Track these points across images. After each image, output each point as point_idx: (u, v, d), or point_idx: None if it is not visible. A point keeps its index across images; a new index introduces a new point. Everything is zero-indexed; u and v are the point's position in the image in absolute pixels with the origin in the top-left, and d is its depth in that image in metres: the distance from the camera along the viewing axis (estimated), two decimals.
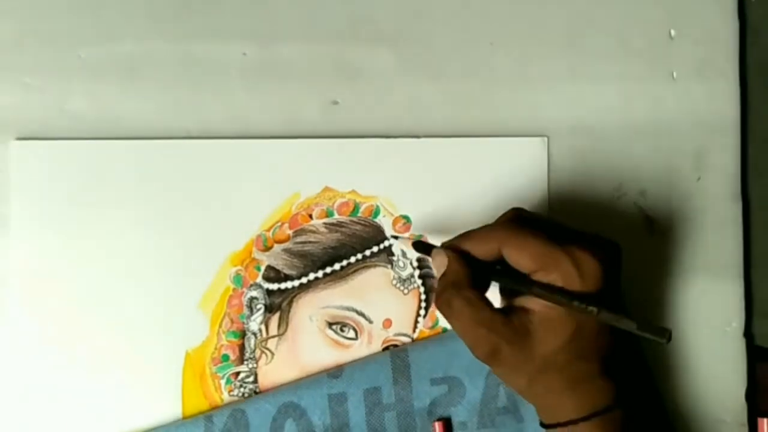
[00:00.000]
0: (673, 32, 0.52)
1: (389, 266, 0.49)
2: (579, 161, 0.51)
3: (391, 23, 0.50)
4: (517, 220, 0.42)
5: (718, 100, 0.52)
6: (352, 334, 0.49)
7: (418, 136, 0.50)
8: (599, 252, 0.39)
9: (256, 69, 0.49)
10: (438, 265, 0.42)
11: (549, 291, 0.39)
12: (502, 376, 0.42)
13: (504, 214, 0.43)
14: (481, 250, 0.41)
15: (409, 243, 0.48)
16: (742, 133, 0.52)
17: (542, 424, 0.42)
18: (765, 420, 0.51)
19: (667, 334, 0.38)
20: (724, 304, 0.51)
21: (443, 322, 0.49)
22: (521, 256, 0.40)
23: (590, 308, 0.38)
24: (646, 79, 0.52)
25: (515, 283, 0.41)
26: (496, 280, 0.42)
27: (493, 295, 0.42)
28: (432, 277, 0.49)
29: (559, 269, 0.39)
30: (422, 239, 0.49)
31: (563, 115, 0.51)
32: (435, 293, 0.41)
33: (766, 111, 0.53)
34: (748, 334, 0.52)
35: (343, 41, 0.50)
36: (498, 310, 0.40)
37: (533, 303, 0.40)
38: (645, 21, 0.52)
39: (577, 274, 0.39)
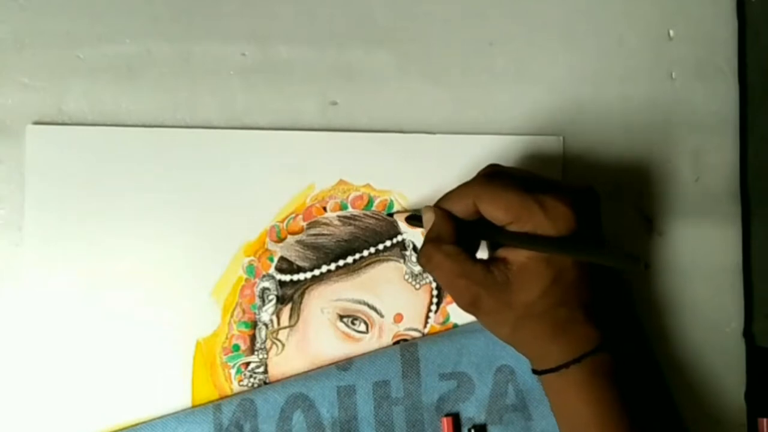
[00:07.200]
0: (671, 32, 0.53)
1: (402, 261, 0.49)
2: (578, 161, 0.51)
3: (390, 24, 0.51)
4: (491, 175, 0.43)
5: (717, 99, 0.53)
6: (363, 327, 0.49)
7: (433, 132, 0.50)
8: (570, 198, 0.41)
9: (255, 69, 0.49)
10: (426, 222, 0.44)
11: (522, 240, 0.41)
12: (488, 326, 0.43)
13: (481, 170, 0.44)
14: (459, 207, 0.43)
15: (403, 219, 0.48)
16: (741, 132, 0.53)
17: (534, 371, 0.42)
18: (765, 420, 0.51)
19: (642, 263, 0.40)
20: (724, 304, 0.52)
21: (454, 318, 0.50)
22: (495, 209, 0.41)
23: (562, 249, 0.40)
24: (644, 79, 0.52)
25: (491, 235, 0.43)
26: (474, 236, 0.44)
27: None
28: None
29: (531, 219, 0.40)
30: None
31: (563, 116, 0.51)
32: (419, 250, 0.43)
33: (765, 111, 0.53)
34: (748, 334, 0.52)
35: (342, 42, 0.50)
36: (480, 261, 0.42)
37: (512, 254, 0.41)
38: (644, 21, 0.53)
39: (548, 221, 0.40)
